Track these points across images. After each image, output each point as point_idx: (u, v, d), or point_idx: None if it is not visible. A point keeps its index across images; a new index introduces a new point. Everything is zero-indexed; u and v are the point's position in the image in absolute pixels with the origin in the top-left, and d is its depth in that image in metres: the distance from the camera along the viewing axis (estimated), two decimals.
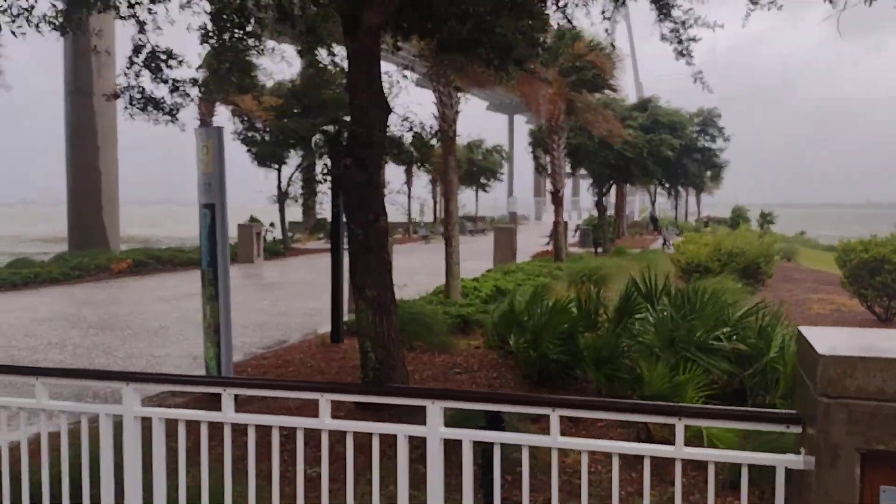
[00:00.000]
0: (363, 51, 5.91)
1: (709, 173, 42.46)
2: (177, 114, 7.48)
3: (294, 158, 28.20)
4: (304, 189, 29.55)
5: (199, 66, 8.49)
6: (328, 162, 23.15)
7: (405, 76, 15.36)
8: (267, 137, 26.06)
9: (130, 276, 18.43)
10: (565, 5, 7.38)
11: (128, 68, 7.07)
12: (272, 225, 27.90)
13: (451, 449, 3.12)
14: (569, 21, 7.91)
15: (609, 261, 17.55)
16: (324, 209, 30.64)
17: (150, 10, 6.59)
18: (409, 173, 37.97)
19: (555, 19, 8.00)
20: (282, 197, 27.95)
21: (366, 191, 5.96)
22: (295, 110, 24.51)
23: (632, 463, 4.53)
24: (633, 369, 5.75)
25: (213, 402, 3.26)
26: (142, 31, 6.65)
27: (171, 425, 3.36)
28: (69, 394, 6.14)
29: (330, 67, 10.23)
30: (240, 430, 3.31)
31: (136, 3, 6.49)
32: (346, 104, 20.20)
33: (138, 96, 7.12)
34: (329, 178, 9.92)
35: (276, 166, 27.68)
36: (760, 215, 41.39)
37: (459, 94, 12.51)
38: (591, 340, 6.66)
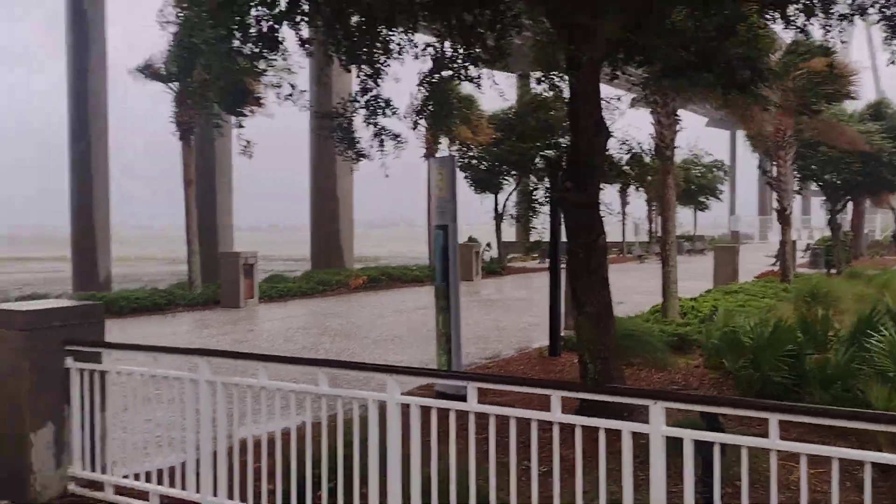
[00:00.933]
0: (584, 84, 6.35)
1: None
2: (367, 155, 8.30)
3: (509, 182, 29.36)
4: (524, 210, 30.37)
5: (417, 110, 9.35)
6: (546, 185, 23.87)
7: (618, 98, 15.51)
8: (484, 164, 27.45)
9: (366, 292, 20.27)
10: (796, 21, 7.27)
11: (343, 107, 8.03)
12: (489, 245, 29.11)
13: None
14: (804, 33, 7.74)
15: (842, 282, 16.34)
16: (538, 230, 31.30)
17: (383, 63, 7.46)
18: (623, 193, 37.63)
19: (787, 34, 7.88)
20: (498, 219, 29.11)
21: (585, 212, 6.37)
22: (512, 137, 25.55)
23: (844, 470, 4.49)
24: (863, 391, 5.60)
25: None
26: (373, 78, 7.53)
27: (424, 413, 4.00)
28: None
29: (546, 94, 10.78)
30: (480, 424, 3.84)
31: (377, 62, 7.37)
32: (562, 127, 20.59)
33: (341, 135, 8.07)
34: (549, 200, 10.41)
35: (492, 191, 29.02)
36: None
37: (678, 114, 12.52)
38: (821, 361, 6.51)
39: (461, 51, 7.57)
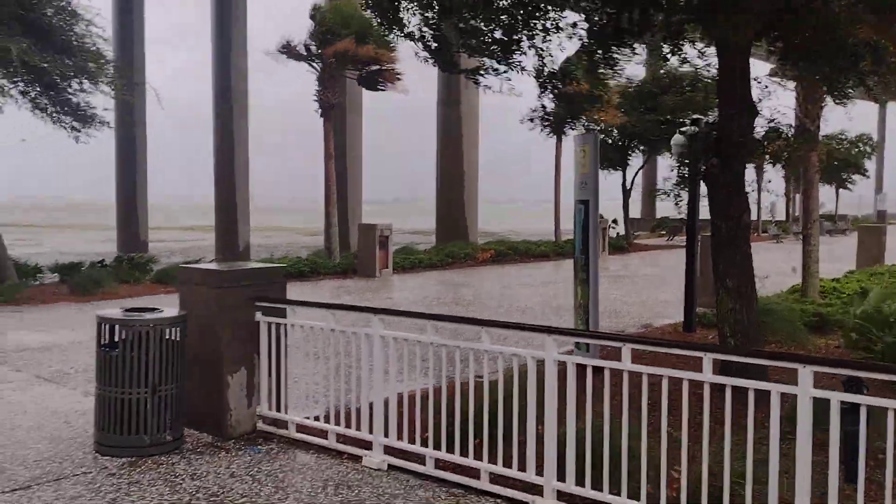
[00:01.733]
0: (732, 65, 6.44)
1: None
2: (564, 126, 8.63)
3: (636, 158, 28.95)
4: (676, 185, 29.75)
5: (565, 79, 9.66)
6: (676, 162, 23.46)
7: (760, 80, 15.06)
8: (610, 140, 27.17)
9: (492, 265, 20.78)
10: None
11: (541, 93, 8.42)
12: (615, 221, 28.88)
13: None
14: None
15: None
16: (679, 208, 30.58)
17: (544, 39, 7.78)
18: (759, 171, 36.12)
19: None
20: (626, 195, 28.79)
21: (731, 189, 6.49)
22: (642, 111, 25.16)
23: None
24: None
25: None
26: (541, 57, 7.87)
27: (579, 370, 4.38)
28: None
29: (682, 69, 10.76)
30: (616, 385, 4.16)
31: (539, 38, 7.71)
32: (700, 103, 20.12)
33: (540, 114, 8.44)
34: (687, 176, 10.45)
35: (620, 167, 28.70)
36: None
37: (823, 89, 12.08)
38: None
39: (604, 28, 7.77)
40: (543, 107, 23.04)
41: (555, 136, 24.31)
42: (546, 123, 23.34)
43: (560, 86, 17.20)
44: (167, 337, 5.35)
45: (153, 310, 5.48)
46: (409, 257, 19.67)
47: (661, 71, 24.80)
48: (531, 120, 23.69)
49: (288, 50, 18.39)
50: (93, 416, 5.83)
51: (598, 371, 4.44)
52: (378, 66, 18.98)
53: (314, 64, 18.56)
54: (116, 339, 5.29)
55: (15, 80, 13.93)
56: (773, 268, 18.39)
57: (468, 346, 4.83)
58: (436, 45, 8.20)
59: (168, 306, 5.67)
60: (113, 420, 5.23)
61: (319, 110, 18.87)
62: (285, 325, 5.75)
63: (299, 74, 19.00)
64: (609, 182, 29.69)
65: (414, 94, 20.26)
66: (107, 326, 5.32)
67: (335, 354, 5.58)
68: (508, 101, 10.23)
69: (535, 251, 23.00)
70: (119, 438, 5.23)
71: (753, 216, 41.66)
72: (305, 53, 18.37)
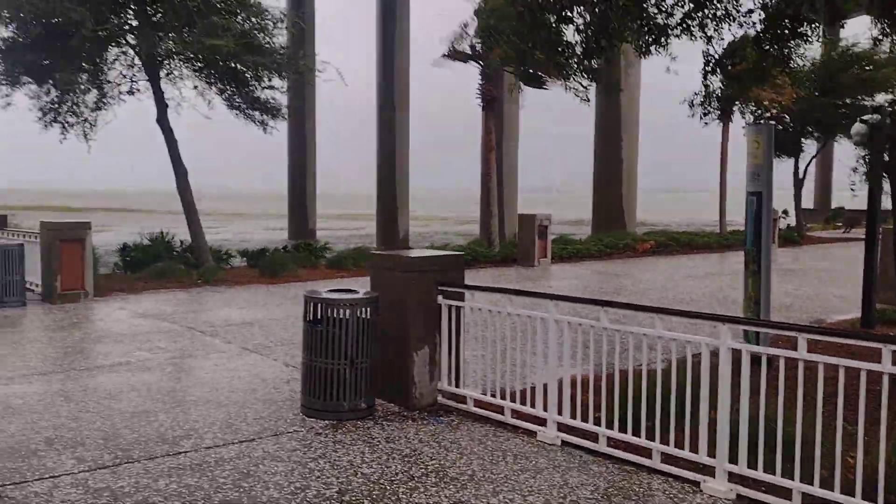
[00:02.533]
0: None
1: None
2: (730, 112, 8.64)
3: (809, 145, 27.31)
4: (865, 176, 28.05)
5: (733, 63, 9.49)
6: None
7: None
8: (781, 126, 25.76)
9: (653, 256, 20.52)
10: None
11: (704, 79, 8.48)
12: (785, 212, 27.48)
13: None
14: None
15: None
16: (840, 197, 28.76)
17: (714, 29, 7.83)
18: None
19: None
20: (798, 185, 27.29)
21: None
22: (816, 94, 23.72)
23: None
24: None
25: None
26: (709, 43, 7.92)
27: (755, 359, 4.53)
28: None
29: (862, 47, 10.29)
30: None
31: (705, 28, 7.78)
32: (879, 83, 18.79)
33: (703, 101, 8.49)
34: (868, 166, 9.96)
35: (791, 154, 27.17)
36: None
37: None
38: None
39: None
40: (707, 86, 22.29)
41: (720, 122, 23.43)
42: (710, 108, 22.59)
43: (728, 67, 16.73)
44: (362, 316, 6.00)
45: (351, 291, 6.16)
46: (566, 247, 19.86)
47: (838, 49, 23.28)
48: (691, 105, 23.00)
49: (453, 53, 19.01)
50: (294, 384, 6.62)
51: (769, 362, 4.56)
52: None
53: (479, 62, 19.10)
54: (320, 316, 6.00)
55: (212, 79, 15.52)
56: None
57: (641, 331, 5.08)
58: (596, 42, 8.41)
59: (349, 287, 6.33)
60: (317, 387, 5.96)
61: (481, 103, 19.41)
62: (464, 307, 6.25)
63: (450, 73, 19.65)
64: (779, 170, 28.24)
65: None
66: (312, 305, 6.05)
67: (511, 337, 6.01)
68: (669, 87, 10.26)
69: (698, 242, 22.45)
70: (322, 403, 5.95)
71: None
72: (471, 52, 18.90)
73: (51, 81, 14.22)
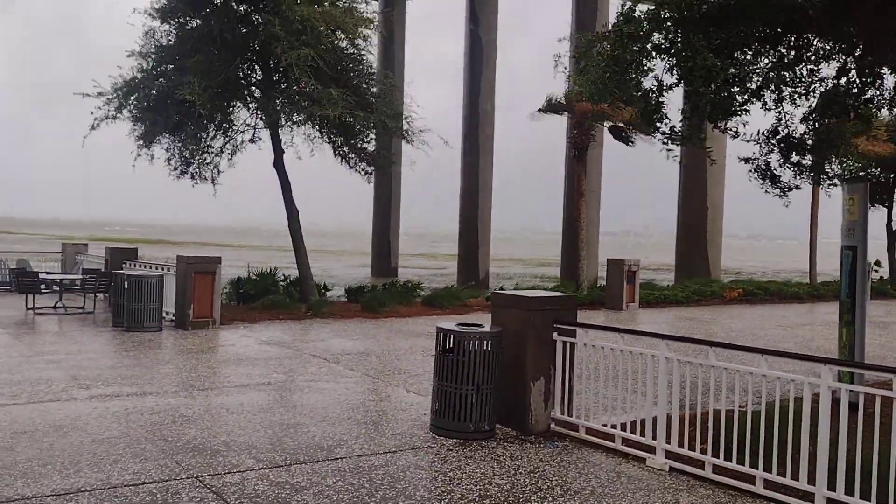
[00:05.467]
0: None
1: None
2: (789, 190, 9.14)
3: None
4: None
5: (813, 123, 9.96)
6: None
7: None
8: (872, 176, 25.56)
9: (741, 304, 20.67)
10: None
11: (762, 145, 9.04)
12: (878, 263, 27.00)
13: None
14: None
15: None
16: None
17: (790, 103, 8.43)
18: None
19: None
20: (891, 236, 26.87)
21: None
22: None
23: None
24: None
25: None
26: (780, 119, 8.52)
27: (852, 399, 5.08)
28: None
29: None
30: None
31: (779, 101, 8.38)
32: None
33: (763, 169, 9.03)
34: None
35: (884, 204, 26.83)
36: None
37: None
38: None
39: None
40: (767, 163, 22.50)
41: (809, 181, 23.48)
42: (776, 185, 22.76)
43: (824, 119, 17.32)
44: (486, 348, 6.79)
45: (477, 325, 6.97)
46: (654, 292, 20.26)
47: None
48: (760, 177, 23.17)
49: (549, 106, 19.88)
50: (418, 407, 7.42)
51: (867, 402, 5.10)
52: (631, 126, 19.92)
53: (570, 115, 19.96)
54: (451, 346, 6.82)
55: (324, 132, 16.83)
56: None
57: (748, 369, 5.69)
58: (690, 115, 9.11)
59: (475, 322, 7.13)
60: (447, 409, 6.75)
61: (572, 151, 20.20)
62: (577, 343, 6.96)
63: (532, 121, 20.58)
64: (871, 220, 27.87)
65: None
66: (444, 336, 6.88)
67: (623, 372, 6.68)
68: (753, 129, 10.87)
69: (786, 292, 22.44)
70: (451, 423, 6.74)
71: None
72: (564, 103, 19.80)
73: (182, 136, 15.73)
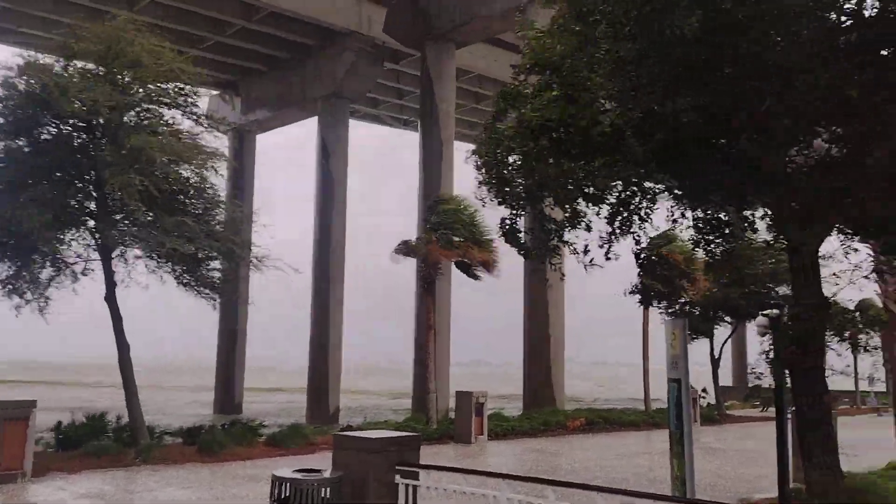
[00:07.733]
0: (803, 260, 7.50)
1: None
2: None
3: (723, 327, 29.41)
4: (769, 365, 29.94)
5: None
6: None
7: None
8: (697, 311, 27.90)
9: (583, 434, 21.16)
10: None
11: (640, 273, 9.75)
12: (704, 391, 28.83)
13: None
14: None
15: None
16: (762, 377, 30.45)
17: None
18: (854, 345, 35.32)
19: None
20: (714, 364, 28.95)
21: (810, 375, 7.33)
22: (723, 282, 25.93)
23: None
24: None
25: None
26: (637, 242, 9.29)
27: None
28: None
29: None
30: None
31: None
32: (775, 277, 21.05)
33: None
34: (773, 354, 11.18)
35: (706, 336, 29.12)
36: None
37: None
38: None
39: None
40: (641, 284, 23.92)
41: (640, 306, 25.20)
42: (642, 299, 24.43)
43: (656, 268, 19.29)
44: (324, 496, 6.44)
45: (317, 471, 6.63)
46: (502, 424, 20.35)
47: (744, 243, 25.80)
48: (631, 293, 24.74)
49: (405, 249, 20.01)
50: None
51: None
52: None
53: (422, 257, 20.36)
54: (286, 495, 6.40)
55: (164, 263, 16.19)
56: (871, 442, 18.15)
57: None
58: (539, 242, 9.71)
59: (312, 467, 6.80)
60: None
61: (421, 285, 20.50)
62: (420, 486, 6.76)
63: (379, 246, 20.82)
64: (695, 348, 29.99)
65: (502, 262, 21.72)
66: (279, 484, 6.47)
67: None
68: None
69: (624, 420, 23.32)
70: None
71: (850, 386, 40.06)
72: (417, 246, 20.11)
73: (8, 254, 14.67)
